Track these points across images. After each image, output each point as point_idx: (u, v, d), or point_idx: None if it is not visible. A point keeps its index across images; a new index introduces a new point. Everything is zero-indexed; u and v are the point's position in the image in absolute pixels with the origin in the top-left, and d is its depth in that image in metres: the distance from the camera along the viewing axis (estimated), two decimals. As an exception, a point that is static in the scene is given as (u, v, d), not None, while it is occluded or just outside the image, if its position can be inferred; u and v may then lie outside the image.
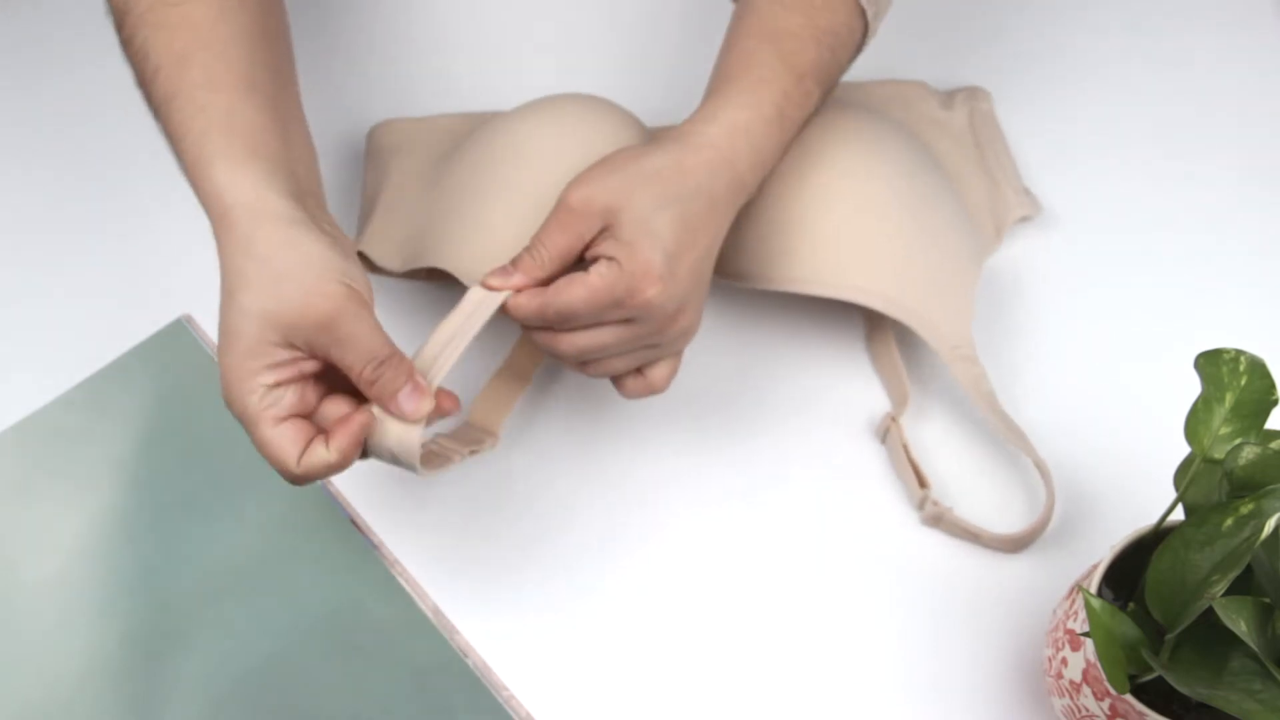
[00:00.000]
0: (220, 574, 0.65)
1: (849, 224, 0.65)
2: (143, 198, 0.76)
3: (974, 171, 0.74)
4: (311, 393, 0.55)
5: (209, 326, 0.72)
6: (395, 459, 0.56)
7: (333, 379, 0.56)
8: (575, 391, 0.70)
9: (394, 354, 0.54)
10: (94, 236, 0.75)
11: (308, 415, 0.55)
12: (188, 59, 0.57)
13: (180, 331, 0.72)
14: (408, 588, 0.65)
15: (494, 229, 0.64)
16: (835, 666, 0.63)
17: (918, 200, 0.67)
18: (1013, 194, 0.74)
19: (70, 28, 0.82)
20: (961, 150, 0.75)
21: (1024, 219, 0.74)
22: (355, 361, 0.53)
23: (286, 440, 0.53)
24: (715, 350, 0.71)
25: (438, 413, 0.56)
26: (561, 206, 0.58)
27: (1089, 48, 0.83)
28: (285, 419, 0.54)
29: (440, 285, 0.73)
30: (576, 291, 0.56)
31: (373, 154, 0.77)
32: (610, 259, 0.57)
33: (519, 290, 0.58)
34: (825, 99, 0.65)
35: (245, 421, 0.54)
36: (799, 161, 0.66)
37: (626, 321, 0.58)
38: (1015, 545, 0.65)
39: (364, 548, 0.66)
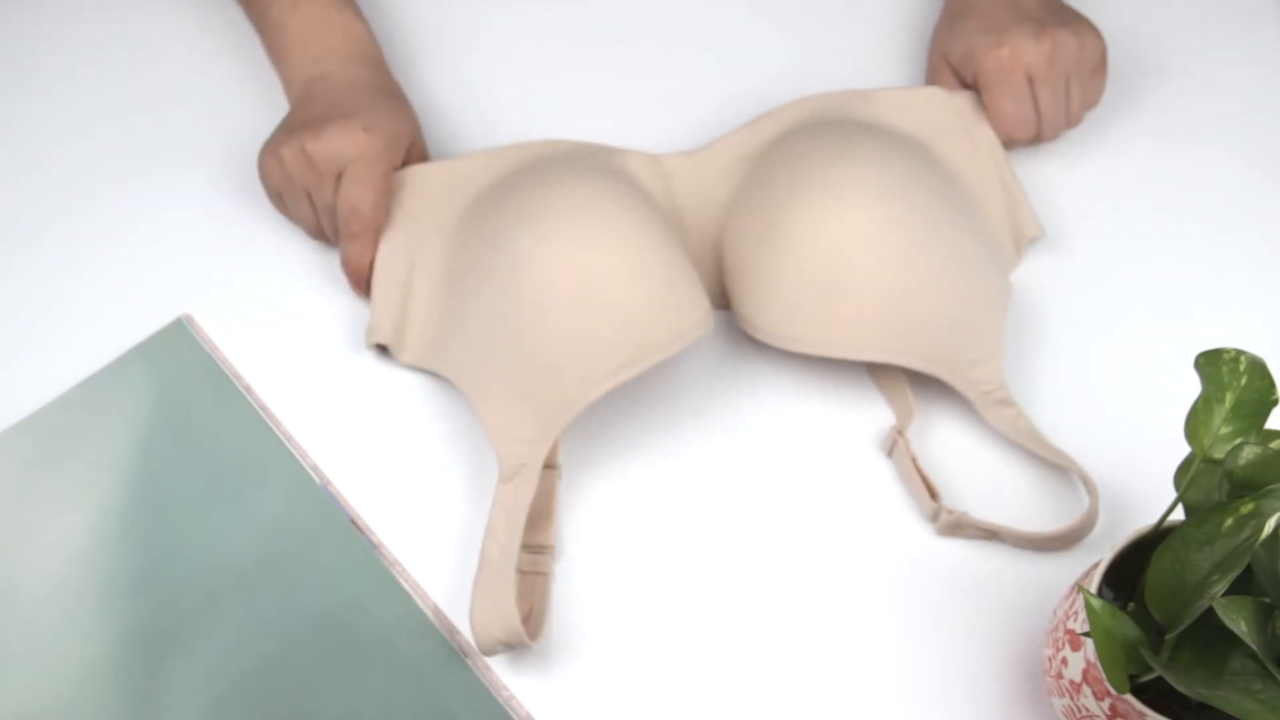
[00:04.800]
0: (220, 574, 0.65)
1: (877, 280, 0.63)
2: (143, 197, 0.76)
3: (993, 184, 0.72)
4: None
5: (209, 326, 0.72)
6: (503, 635, 0.60)
7: None
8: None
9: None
10: (94, 236, 0.75)
11: None
12: None
13: (180, 331, 0.72)
14: (408, 588, 0.65)
15: (498, 364, 0.64)
16: (835, 665, 0.63)
17: (945, 241, 0.65)
18: (1027, 210, 0.72)
19: (70, 25, 0.82)
20: (979, 162, 0.73)
21: (1032, 240, 0.73)
22: (379, 203, 0.68)
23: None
24: (714, 370, 0.71)
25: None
26: None
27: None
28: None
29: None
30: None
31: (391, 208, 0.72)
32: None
33: None
34: None
35: (367, 162, 0.68)
36: (816, 205, 0.64)
37: None
38: (1040, 545, 0.65)
39: (364, 548, 0.66)
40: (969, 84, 0.74)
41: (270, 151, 0.69)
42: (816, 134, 0.68)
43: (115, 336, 0.72)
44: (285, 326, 0.72)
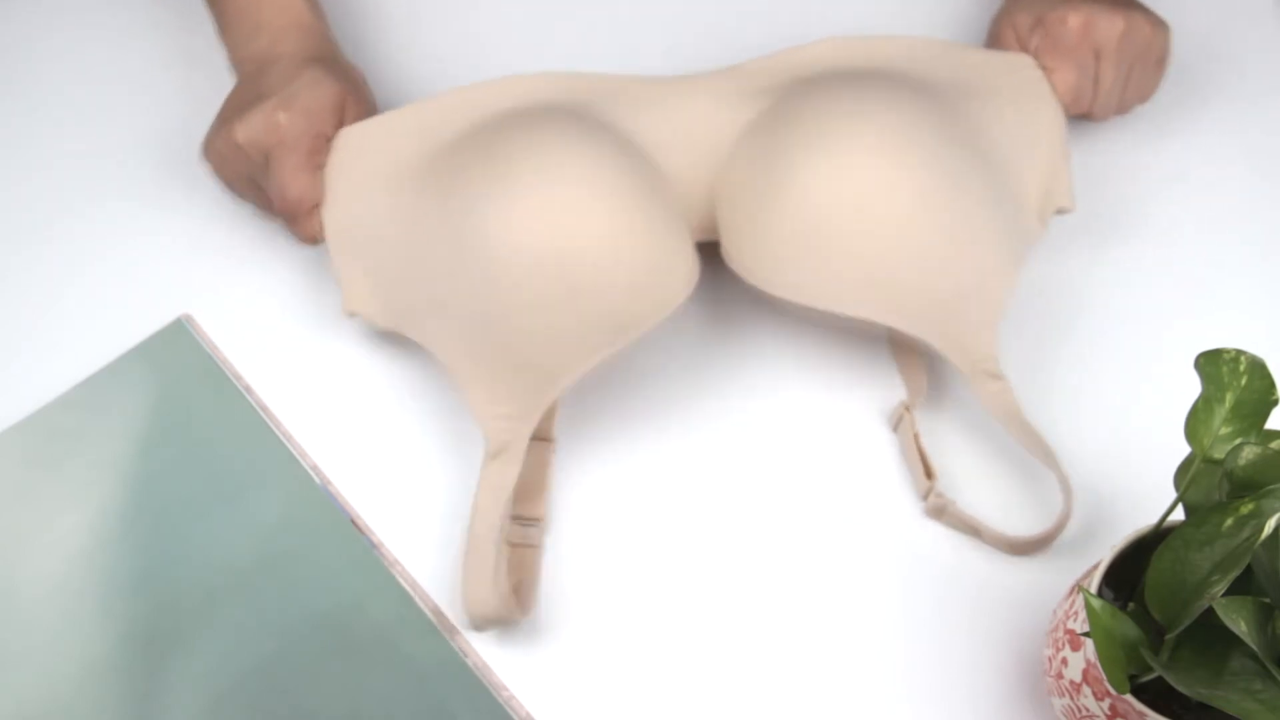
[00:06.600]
0: (220, 574, 0.65)
1: (874, 236, 0.62)
2: (143, 197, 0.76)
3: (1037, 153, 0.69)
4: None
5: (209, 326, 0.72)
6: (496, 610, 0.60)
7: None
8: (573, 395, 0.70)
9: None
10: (94, 236, 0.75)
11: None
12: None
13: (180, 331, 0.72)
14: (408, 588, 0.65)
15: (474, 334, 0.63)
16: (834, 663, 0.63)
17: (955, 206, 0.63)
18: (1065, 179, 0.69)
19: (69, 24, 0.82)
20: (1027, 128, 0.69)
21: (1061, 211, 0.70)
22: (309, 182, 0.67)
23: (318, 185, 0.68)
24: (716, 339, 0.71)
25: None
26: None
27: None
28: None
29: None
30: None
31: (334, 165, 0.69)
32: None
33: None
34: None
35: (286, 148, 0.66)
36: (823, 155, 0.62)
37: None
38: (1014, 548, 0.65)
39: (364, 548, 0.66)
40: (1030, 51, 0.71)
41: (208, 146, 0.69)
42: (839, 83, 0.66)
43: (115, 336, 0.72)
44: (285, 326, 0.72)
